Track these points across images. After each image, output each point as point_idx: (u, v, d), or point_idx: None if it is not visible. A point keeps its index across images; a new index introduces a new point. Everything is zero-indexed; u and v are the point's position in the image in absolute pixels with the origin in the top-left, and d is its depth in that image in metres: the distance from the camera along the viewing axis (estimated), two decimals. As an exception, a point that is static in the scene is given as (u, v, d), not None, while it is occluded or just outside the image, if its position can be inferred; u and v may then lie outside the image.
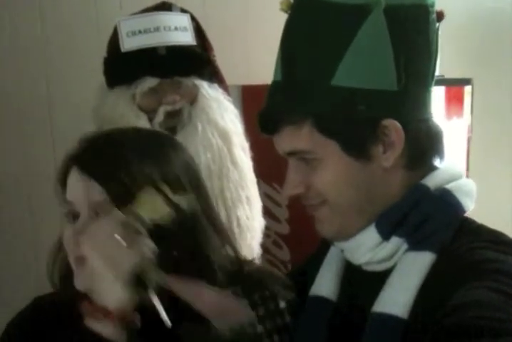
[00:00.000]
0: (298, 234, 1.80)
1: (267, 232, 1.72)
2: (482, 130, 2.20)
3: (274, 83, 0.78)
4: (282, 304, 0.87)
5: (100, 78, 1.28)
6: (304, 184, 0.77)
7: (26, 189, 1.61)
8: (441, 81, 1.85)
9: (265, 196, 1.79)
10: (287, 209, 1.86)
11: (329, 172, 0.75)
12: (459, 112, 1.88)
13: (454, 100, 1.86)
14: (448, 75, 1.86)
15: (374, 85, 0.73)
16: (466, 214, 0.79)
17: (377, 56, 0.73)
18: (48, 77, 1.60)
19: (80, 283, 0.76)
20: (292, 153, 0.77)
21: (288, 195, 0.80)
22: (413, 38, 0.75)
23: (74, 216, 0.78)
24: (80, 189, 0.76)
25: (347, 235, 0.79)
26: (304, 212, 1.90)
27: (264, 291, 0.87)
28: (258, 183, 1.39)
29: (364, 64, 0.73)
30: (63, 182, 0.80)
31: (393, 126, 0.74)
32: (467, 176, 1.98)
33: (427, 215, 0.75)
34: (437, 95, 1.88)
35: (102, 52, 1.29)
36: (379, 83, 0.73)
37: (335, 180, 0.76)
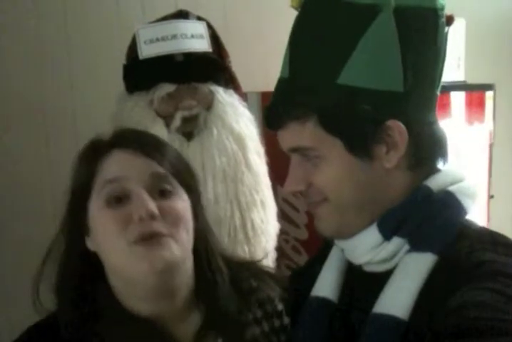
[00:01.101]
0: (317, 239, 1.79)
1: (286, 237, 1.73)
2: (505, 136, 2.18)
3: (281, 79, 0.79)
4: (280, 306, 0.87)
5: (121, 85, 1.31)
6: (306, 181, 0.78)
7: (50, 196, 1.65)
8: (463, 86, 1.84)
9: (283, 201, 1.80)
10: (305, 215, 1.87)
11: (331, 169, 0.76)
12: (480, 117, 1.86)
13: (475, 105, 1.84)
14: (471, 81, 1.85)
15: (380, 85, 0.73)
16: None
17: (384, 57, 0.74)
18: (72, 85, 1.65)
19: None
20: (294, 149, 0.78)
21: (289, 191, 0.80)
22: (422, 40, 0.76)
23: (119, 198, 0.75)
24: (136, 162, 0.77)
25: (346, 234, 0.79)
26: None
27: (262, 293, 0.87)
28: (276, 188, 1.40)
29: (370, 64, 0.73)
30: (93, 166, 0.78)
31: (397, 127, 0.75)
32: (489, 182, 1.95)
33: (429, 216, 0.75)
34: (458, 100, 1.87)
35: (122, 59, 1.33)
36: (385, 84, 0.74)
37: (336, 178, 0.76)
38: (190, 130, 1.26)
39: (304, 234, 1.86)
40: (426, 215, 0.75)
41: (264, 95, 1.82)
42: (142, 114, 1.25)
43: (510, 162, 2.36)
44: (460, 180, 0.80)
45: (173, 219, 0.77)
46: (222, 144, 1.25)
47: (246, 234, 1.25)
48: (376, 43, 0.73)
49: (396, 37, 0.73)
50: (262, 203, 1.29)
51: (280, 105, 0.77)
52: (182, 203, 0.79)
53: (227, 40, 1.37)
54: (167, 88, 1.24)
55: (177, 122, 1.24)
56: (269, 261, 1.29)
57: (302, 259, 1.86)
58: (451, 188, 0.78)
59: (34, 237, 1.63)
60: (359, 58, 0.73)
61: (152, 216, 0.74)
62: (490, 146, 1.99)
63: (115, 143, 0.80)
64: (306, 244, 1.84)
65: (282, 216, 1.45)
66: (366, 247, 0.78)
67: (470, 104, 1.82)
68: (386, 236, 0.76)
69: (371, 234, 0.77)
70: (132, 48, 1.28)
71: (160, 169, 0.78)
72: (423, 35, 0.76)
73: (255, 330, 0.84)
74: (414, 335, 0.69)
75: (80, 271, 0.80)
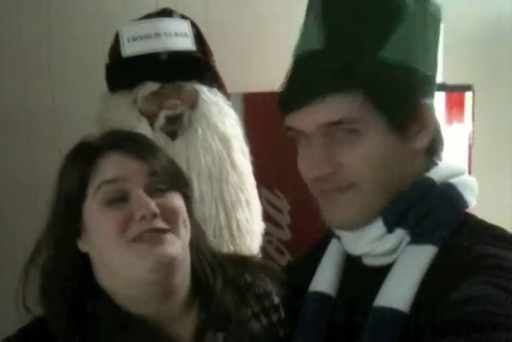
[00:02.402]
0: (300, 240, 1.80)
1: (269, 238, 1.73)
2: (483, 137, 2.21)
3: (311, 51, 0.75)
4: (277, 300, 0.87)
5: (103, 84, 1.30)
6: (333, 164, 0.75)
7: (33, 198, 1.62)
8: (442, 87, 1.86)
9: (267, 202, 1.80)
10: (288, 216, 1.87)
11: (368, 147, 0.73)
12: (460, 118, 1.89)
13: (455, 106, 1.87)
14: (449, 82, 1.87)
15: (418, 65, 0.74)
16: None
17: (425, 37, 0.75)
18: (52, 84, 1.63)
19: None
20: (335, 123, 0.73)
21: (315, 176, 0.75)
22: (438, 34, 0.79)
23: (117, 198, 0.76)
24: (132, 164, 0.77)
25: (361, 223, 0.77)
26: (306, 218, 1.91)
27: (258, 288, 0.87)
28: (260, 189, 1.39)
29: (413, 42, 0.74)
30: (89, 168, 0.78)
31: (428, 107, 0.76)
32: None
33: (431, 208, 0.75)
34: (438, 100, 1.89)
35: (105, 58, 1.31)
36: (422, 65, 0.75)
37: (371, 157, 0.74)
38: (174, 129, 1.25)
39: (287, 235, 1.86)
40: (429, 207, 0.75)
41: (246, 96, 1.82)
42: (125, 113, 1.23)
43: (489, 163, 2.39)
44: (461, 173, 0.80)
45: (172, 215, 0.77)
46: (207, 144, 1.24)
47: (231, 233, 1.24)
48: (419, 23, 0.75)
49: (439, 19, 0.76)
50: (247, 202, 1.28)
51: (317, 77, 0.73)
52: (178, 199, 0.80)
53: (209, 40, 1.37)
54: (151, 87, 1.23)
55: (161, 121, 1.23)
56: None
57: (285, 260, 1.86)
58: (453, 180, 0.78)
59: (16, 237, 1.61)
60: (404, 34, 0.73)
61: (154, 215, 0.74)
62: (470, 146, 2.02)
63: (110, 145, 0.79)
64: (290, 244, 1.84)
65: (265, 217, 1.44)
66: (369, 238, 0.77)
67: (449, 105, 1.85)
68: (390, 228, 0.76)
69: (376, 226, 0.76)
70: (115, 46, 1.26)
71: (155, 169, 0.78)
72: (438, 31, 0.79)
73: (255, 325, 0.84)
74: (415, 327, 0.68)
75: (71, 274, 0.79)
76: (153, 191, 0.78)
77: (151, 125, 1.24)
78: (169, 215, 0.77)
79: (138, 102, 1.24)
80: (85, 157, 0.79)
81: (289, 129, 0.79)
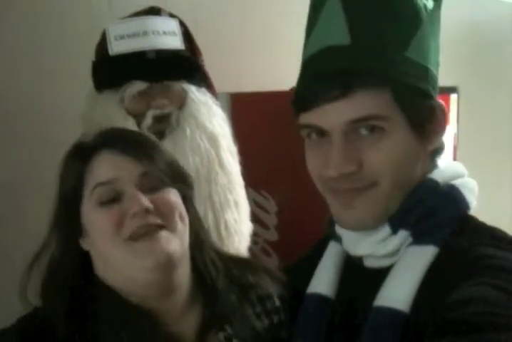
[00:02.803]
0: (286, 241, 1.80)
1: (256, 239, 1.72)
2: (467, 138, 2.23)
3: (337, 47, 0.73)
4: (278, 302, 0.87)
5: (89, 83, 1.28)
6: (357, 161, 0.73)
7: (16, 197, 1.60)
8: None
9: (254, 203, 1.79)
10: (275, 216, 1.87)
11: (393, 147, 0.73)
12: (445, 119, 1.90)
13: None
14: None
15: (431, 65, 0.76)
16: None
17: (436, 38, 0.78)
18: (38, 83, 1.60)
19: None
20: (362, 119, 0.72)
21: (339, 172, 0.73)
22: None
23: (112, 198, 0.76)
24: (125, 162, 0.77)
25: (375, 224, 0.76)
26: (293, 219, 1.90)
27: (261, 289, 0.87)
28: (247, 190, 1.39)
29: (428, 43, 0.76)
30: (82, 167, 0.79)
31: (442, 108, 0.77)
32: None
33: (434, 208, 0.75)
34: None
35: (91, 56, 1.29)
36: (433, 65, 0.77)
37: (394, 156, 0.73)
38: (162, 129, 1.23)
39: (273, 236, 1.85)
40: (432, 208, 0.75)
41: (233, 96, 1.81)
42: (112, 112, 1.21)
43: (473, 164, 2.42)
44: (462, 175, 0.81)
45: (167, 210, 0.77)
46: (195, 144, 1.23)
47: (219, 234, 1.23)
48: (436, 27, 0.77)
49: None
50: (236, 203, 1.28)
51: (343, 73, 0.72)
52: (173, 194, 0.79)
53: (196, 38, 1.35)
54: (138, 86, 1.21)
55: (148, 121, 1.21)
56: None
57: (272, 261, 1.86)
58: (455, 182, 0.78)
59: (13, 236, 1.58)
60: (422, 34, 0.74)
61: (146, 211, 0.74)
62: (455, 148, 2.03)
63: (102, 144, 0.79)
64: (276, 245, 1.84)
65: (252, 217, 1.44)
66: (373, 240, 0.76)
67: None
68: (395, 229, 0.75)
69: (382, 227, 0.76)
70: (102, 44, 1.24)
71: (149, 168, 0.78)
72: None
73: (257, 324, 0.84)
74: (415, 327, 0.68)
75: (74, 272, 0.79)
76: (147, 188, 0.78)
77: (138, 124, 1.22)
78: (163, 210, 0.76)
79: (125, 102, 1.22)
80: (79, 156, 0.80)
81: (304, 127, 0.78)
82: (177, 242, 0.76)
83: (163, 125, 1.23)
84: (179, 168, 0.85)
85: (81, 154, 0.80)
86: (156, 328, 0.77)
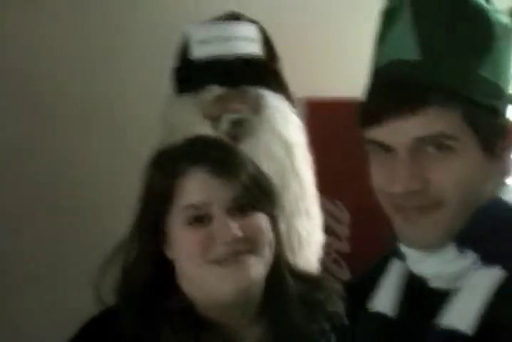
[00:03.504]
0: (359, 253, 1.75)
1: (327, 250, 1.68)
2: None
3: (408, 61, 0.72)
4: (345, 321, 0.85)
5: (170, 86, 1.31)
6: (422, 180, 0.71)
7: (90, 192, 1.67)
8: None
9: (326, 213, 1.75)
10: (348, 228, 1.82)
11: (461, 166, 0.71)
12: None
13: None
14: None
15: (505, 84, 0.73)
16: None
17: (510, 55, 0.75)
18: (120, 85, 1.66)
19: None
20: (428, 138, 0.70)
21: (404, 191, 0.71)
22: None
23: (201, 219, 0.77)
24: (216, 185, 0.77)
25: (441, 244, 0.74)
26: (366, 231, 1.84)
27: (329, 307, 0.86)
28: (319, 199, 1.37)
29: (504, 63, 0.73)
30: (170, 186, 0.79)
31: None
32: None
33: (504, 231, 0.72)
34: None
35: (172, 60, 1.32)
36: (507, 84, 0.74)
37: (463, 176, 0.71)
38: (237, 133, 1.24)
39: (346, 247, 1.81)
40: (502, 230, 0.73)
41: (309, 102, 1.79)
42: (190, 116, 1.24)
43: None
44: None
45: (256, 236, 0.78)
46: (270, 150, 1.23)
47: (291, 244, 1.21)
48: (509, 38, 0.74)
49: None
50: (307, 212, 1.26)
51: (414, 88, 0.70)
52: (262, 218, 0.80)
53: (275, 44, 1.35)
54: (216, 91, 1.23)
55: (224, 125, 1.23)
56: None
57: (343, 273, 1.81)
58: None
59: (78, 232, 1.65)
60: (497, 52, 0.72)
61: (236, 239, 0.75)
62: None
63: (194, 160, 0.79)
64: (348, 257, 1.80)
65: (324, 228, 1.41)
66: (439, 260, 0.74)
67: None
68: (462, 249, 0.73)
69: (448, 247, 0.73)
70: (183, 49, 1.28)
71: (241, 193, 0.78)
72: None
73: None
74: None
75: (153, 276, 0.81)
76: (237, 212, 0.78)
77: (214, 128, 1.24)
78: (252, 236, 0.77)
79: (203, 106, 1.24)
80: (170, 170, 0.80)
81: (370, 142, 0.76)
82: (261, 267, 0.77)
83: (239, 129, 1.24)
84: (266, 183, 0.84)
85: (172, 168, 0.80)
86: (224, 336, 0.79)
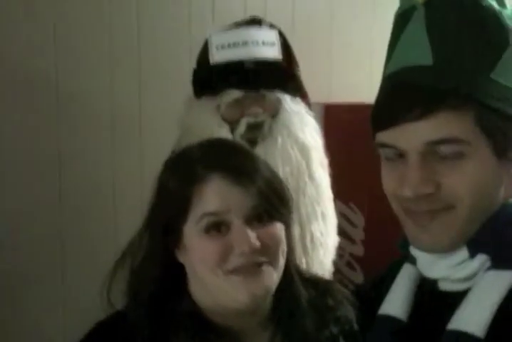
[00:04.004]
0: (373, 256, 1.75)
1: (341, 253, 1.69)
2: None
3: (421, 66, 0.72)
4: (356, 326, 0.85)
5: (189, 88, 1.32)
6: (434, 183, 0.71)
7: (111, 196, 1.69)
8: None
9: (341, 216, 1.76)
10: (362, 231, 1.83)
11: (473, 171, 0.70)
12: None
13: None
14: None
15: None
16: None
17: None
18: (141, 87, 1.69)
19: None
20: (441, 141, 0.70)
21: (416, 193, 0.71)
22: None
23: (218, 225, 0.76)
24: (234, 193, 0.76)
25: (451, 248, 0.74)
26: (381, 234, 1.84)
27: (339, 312, 0.86)
28: (335, 203, 1.37)
29: None
30: (189, 192, 0.77)
31: None
32: None
33: None
34: None
35: (192, 64, 1.34)
36: None
37: (476, 182, 0.70)
38: (254, 136, 1.25)
39: (360, 251, 1.82)
40: None
41: (327, 107, 1.80)
42: (208, 118, 1.25)
43: None
44: None
45: (273, 246, 0.77)
46: (286, 153, 1.24)
47: (304, 246, 1.22)
48: None
49: None
50: (323, 215, 1.27)
51: (426, 93, 0.70)
52: (278, 228, 0.79)
53: (293, 49, 1.37)
54: (234, 94, 1.24)
55: (242, 128, 1.24)
56: (326, 275, 1.26)
57: (356, 276, 1.82)
58: None
59: (97, 234, 1.68)
60: (510, 57, 0.71)
61: (254, 250, 0.75)
62: None
63: (213, 167, 0.77)
64: (362, 260, 1.80)
65: (339, 230, 1.42)
66: (450, 263, 0.74)
67: None
68: (472, 253, 0.73)
69: (459, 250, 0.74)
70: (204, 53, 1.29)
71: (259, 201, 0.77)
72: None
73: None
74: None
75: (161, 278, 0.80)
76: (255, 220, 0.77)
77: (232, 131, 1.25)
78: (269, 246, 0.76)
79: (221, 109, 1.26)
80: (187, 176, 0.78)
81: (381, 145, 0.76)
82: (276, 276, 0.77)
83: (256, 132, 1.26)
84: (283, 192, 0.82)
85: (190, 174, 0.78)
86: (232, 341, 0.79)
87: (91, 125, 1.69)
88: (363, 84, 1.87)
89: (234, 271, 0.75)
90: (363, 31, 1.95)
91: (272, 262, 0.76)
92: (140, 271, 0.80)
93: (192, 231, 0.77)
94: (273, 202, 0.78)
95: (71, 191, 1.69)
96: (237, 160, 0.79)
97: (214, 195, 0.76)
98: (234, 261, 0.75)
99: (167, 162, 0.84)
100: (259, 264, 0.75)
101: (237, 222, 0.75)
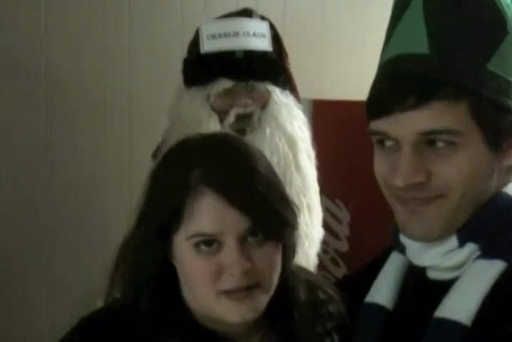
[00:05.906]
0: (357, 253, 1.76)
1: (326, 248, 1.70)
2: None
3: (416, 55, 0.71)
4: (347, 319, 0.85)
5: (179, 78, 1.33)
6: (426, 172, 0.71)
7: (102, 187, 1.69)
8: None
9: (327, 212, 1.77)
10: (347, 227, 1.83)
11: (465, 161, 0.70)
12: None
13: None
14: None
15: None
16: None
17: None
18: (130, 75, 1.69)
19: None
20: (433, 132, 0.70)
21: (406, 183, 0.71)
22: None
23: (210, 242, 0.72)
24: (230, 214, 0.71)
25: (440, 236, 0.74)
26: (366, 231, 1.84)
27: (332, 306, 0.86)
28: (321, 198, 1.38)
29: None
30: (181, 208, 0.73)
31: None
32: None
33: (507, 224, 0.73)
34: None
35: (183, 53, 1.35)
36: None
37: (465, 170, 0.70)
38: (243, 127, 1.26)
39: (344, 247, 1.82)
40: (505, 223, 0.73)
41: (316, 103, 1.81)
42: (197, 108, 1.26)
43: None
44: None
45: (266, 269, 0.74)
46: (274, 144, 1.25)
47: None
48: None
49: None
50: (309, 207, 1.28)
51: (421, 82, 0.70)
52: (273, 249, 0.75)
53: (284, 42, 1.37)
54: (224, 84, 1.25)
55: (231, 118, 1.25)
56: (311, 267, 1.27)
57: (340, 272, 1.82)
58: None
59: (102, 229, 1.67)
60: (507, 47, 0.71)
61: (245, 272, 0.72)
62: None
63: (210, 183, 0.72)
64: (346, 256, 1.81)
65: (324, 226, 1.42)
66: (440, 251, 0.74)
67: None
68: (462, 242, 0.73)
69: (450, 239, 0.74)
70: (195, 42, 1.30)
71: (255, 222, 0.73)
72: None
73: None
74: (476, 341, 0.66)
75: (158, 278, 0.78)
76: (248, 239, 0.73)
77: (221, 121, 1.26)
78: (262, 268, 0.74)
79: (211, 99, 1.27)
80: (181, 182, 0.73)
81: (374, 133, 0.76)
82: (267, 298, 0.75)
83: (245, 123, 1.27)
84: (282, 209, 0.76)
85: (184, 182, 0.73)
86: None
87: (80, 113, 1.68)
88: (354, 80, 1.88)
89: (226, 293, 0.73)
90: (355, 27, 1.96)
91: (264, 285, 0.74)
92: (133, 271, 0.79)
93: (182, 244, 0.74)
94: (270, 223, 0.74)
95: (59, 180, 1.68)
96: (237, 176, 0.74)
97: (209, 216, 0.72)
98: (226, 282, 0.72)
99: (165, 157, 0.80)
100: (251, 288, 0.73)
101: (229, 242, 0.72)
